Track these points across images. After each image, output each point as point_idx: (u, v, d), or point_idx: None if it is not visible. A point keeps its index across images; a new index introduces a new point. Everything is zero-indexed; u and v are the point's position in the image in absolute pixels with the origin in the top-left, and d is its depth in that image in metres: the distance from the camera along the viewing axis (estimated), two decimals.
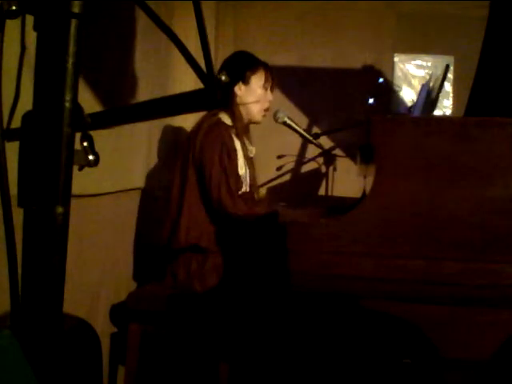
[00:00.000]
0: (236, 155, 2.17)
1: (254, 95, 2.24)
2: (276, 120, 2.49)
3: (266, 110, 2.29)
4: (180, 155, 2.20)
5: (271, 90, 2.30)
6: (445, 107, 2.96)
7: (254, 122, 2.31)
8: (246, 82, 2.24)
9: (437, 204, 1.36)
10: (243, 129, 2.27)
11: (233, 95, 2.22)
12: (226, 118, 2.21)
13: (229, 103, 2.21)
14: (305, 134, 2.60)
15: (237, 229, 2.09)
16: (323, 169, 2.94)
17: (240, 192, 2.17)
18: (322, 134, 2.72)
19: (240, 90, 2.24)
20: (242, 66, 2.25)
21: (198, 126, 2.18)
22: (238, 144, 2.20)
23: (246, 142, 2.28)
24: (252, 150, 2.32)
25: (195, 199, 2.12)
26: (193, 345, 2.28)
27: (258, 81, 2.25)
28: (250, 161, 2.28)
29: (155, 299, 2.06)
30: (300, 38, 3.06)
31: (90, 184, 1.72)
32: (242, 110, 2.25)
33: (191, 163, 2.11)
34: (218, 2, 3.07)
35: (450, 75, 2.86)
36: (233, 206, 2.04)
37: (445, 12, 2.94)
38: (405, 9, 3.02)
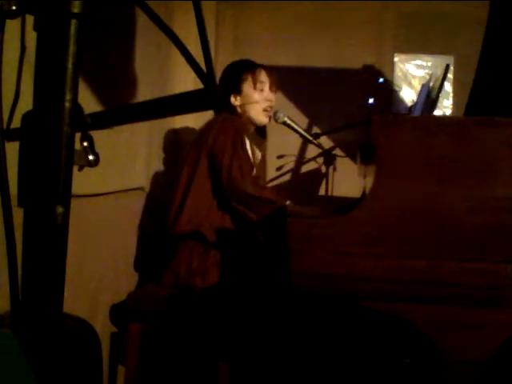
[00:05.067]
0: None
1: (251, 99, 2.27)
2: (276, 120, 2.49)
3: (267, 109, 2.30)
4: (192, 149, 2.21)
5: (270, 90, 2.30)
6: (445, 107, 2.96)
7: (260, 124, 2.33)
8: (237, 91, 2.28)
9: (436, 204, 1.36)
10: (250, 133, 2.30)
11: (232, 107, 2.28)
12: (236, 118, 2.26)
13: (233, 112, 2.27)
14: (305, 134, 2.60)
15: (244, 214, 2.08)
16: (323, 169, 2.94)
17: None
18: (322, 134, 2.72)
19: (236, 100, 2.29)
20: (230, 77, 2.30)
21: (212, 121, 2.22)
22: (248, 144, 2.22)
23: (254, 146, 2.30)
24: (258, 155, 2.34)
25: (202, 190, 2.14)
26: (193, 344, 2.28)
27: (248, 86, 2.28)
28: (257, 166, 2.29)
29: (155, 299, 2.06)
30: (300, 38, 3.05)
31: (90, 184, 1.72)
32: (245, 116, 2.29)
33: (204, 153, 2.13)
34: (218, 2, 3.07)
35: (450, 75, 2.86)
36: (243, 183, 2.05)
37: (445, 12, 2.94)
38: (405, 9, 3.01)
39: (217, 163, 2.10)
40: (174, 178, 2.28)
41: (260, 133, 2.38)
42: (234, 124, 2.17)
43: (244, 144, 2.15)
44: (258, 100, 2.27)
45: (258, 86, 2.27)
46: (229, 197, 2.09)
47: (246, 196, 2.05)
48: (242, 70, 2.29)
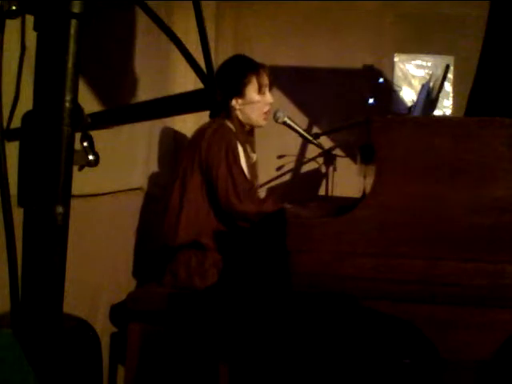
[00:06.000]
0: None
1: (253, 103, 2.24)
2: (276, 120, 2.48)
3: (267, 112, 2.29)
4: (183, 157, 2.19)
5: (269, 90, 2.29)
6: (445, 107, 2.96)
7: (259, 126, 2.32)
8: (241, 95, 2.24)
9: (437, 204, 1.36)
10: (245, 136, 2.28)
11: (231, 108, 2.23)
12: (229, 124, 2.22)
13: (229, 115, 2.22)
14: (305, 134, 2.60)
15: (244, 227, 2.09)
16: (323, 169, 2.94)
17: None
18: (322, 134, 2.72)
19: (237, 103, 2.24)
20: (233, 80, 2.23)
21: (203, 129, 2.18)
22: (240, 150, 2.20)
23: (249, 149, 2.28)
24: (253, 157, 2.32)
25: (196, 199, 2.12)
26: (193, 344, 2.28)
27: (252, 89, 2.24)
28: (251, 168, 2.28)
29: (155, 299, 2.06)
30: (300, 38, 3.06)
31: (90, 184, 1.72)
32: (243, 118, 2.26)
33: (197, 164, 2.10)
34: (218, 2, 3.07)
35: (449, 75, 2.86)
36: (240, 205, 2.04)
37: (445, 12, 2.94)
38: (405, 9, 3.02)
39: (213, 181, 2.08)
40: (171, 182, 2.26)
41: (249, 131, 2.35)
42: (225, 133, 2.13)
43: (237, 156, 2.12)
44: (260, 103, 2.25)
45: (261, 89, 2.24)
46: (231, 217, 2.08)
47: (246, 216, 2.05)
48: (245, 72, 2.24)
